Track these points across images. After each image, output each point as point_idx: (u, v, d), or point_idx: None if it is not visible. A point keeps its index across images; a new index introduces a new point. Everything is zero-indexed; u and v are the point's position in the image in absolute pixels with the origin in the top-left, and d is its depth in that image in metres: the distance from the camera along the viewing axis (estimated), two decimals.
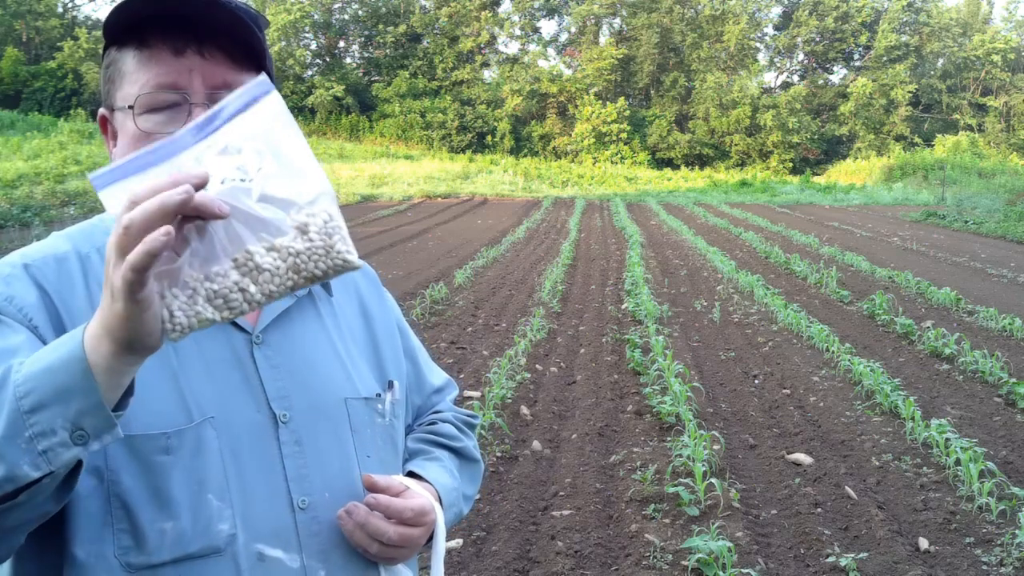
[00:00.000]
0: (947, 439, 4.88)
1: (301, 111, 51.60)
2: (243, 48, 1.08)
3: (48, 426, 0.82)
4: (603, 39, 57.82)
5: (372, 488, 1.12)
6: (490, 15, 56.31)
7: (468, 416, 1.45)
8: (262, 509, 1.06)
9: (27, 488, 0.84)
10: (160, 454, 1.01)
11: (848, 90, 54.45)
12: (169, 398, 1.04)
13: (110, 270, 0.79)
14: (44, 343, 0.99)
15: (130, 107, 1.07)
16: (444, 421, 1.39)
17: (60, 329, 1.03)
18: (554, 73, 55.30)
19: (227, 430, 1.06)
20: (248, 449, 1.07)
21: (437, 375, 1.45)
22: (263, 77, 0.90)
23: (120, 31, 1.07)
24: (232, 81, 1.08)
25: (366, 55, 58.50)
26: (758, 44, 58.49)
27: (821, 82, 58.32)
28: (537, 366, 7.07)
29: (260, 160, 0.88)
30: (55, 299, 1.05)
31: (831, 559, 3.77)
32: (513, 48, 63.67)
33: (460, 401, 5.85)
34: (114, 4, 1.05)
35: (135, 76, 1.07)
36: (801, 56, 59.22)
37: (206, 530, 1.02)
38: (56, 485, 0.87)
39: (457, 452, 1.36)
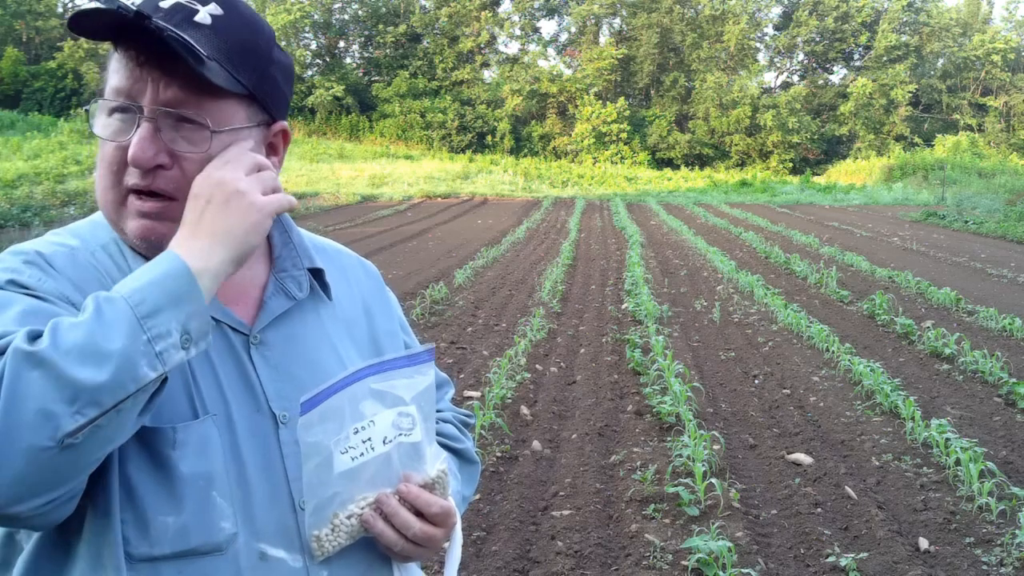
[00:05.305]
0: (947, 439, 4.88)
1: (301, 111, 51.61)
2: (197, 77, 1.02)
3: (164, 328, 0.92)
4: (603, 39, 57.83)
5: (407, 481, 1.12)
6: (490, 15, 56.29)
7: (466, 416, 1.47)
8: (264, 509, 1.07)
9: (128, 398, 0.89)
10: (168, 448, 1.01)
11: (848, 90, 54.43)
12: (179, 393, 1.04)
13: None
14: None
15: (86, 110, 1.08)
16: (445, 421, 1.40)
17: None
18: (554, 73, 55.28)
19: (228, 429, 1.06)
20: (249, 449, 1.07)
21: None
22: (431, 346, 1.11)
23: (104, 31, 1.03)
24: (182, 100, 1.03)
25: (366, 55, 58.50)
26: (758, 44, 58.53)
27: (821, 82, 58.32)
28: (537, 366, 7.07)
29: (417, 420, 1.10)
30: (78, 284, 1.03)
31: (831, 559, 3.77)
32: (513, 48, 63.75)
33: (460, 401, 5.85)
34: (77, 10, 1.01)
35: (109, 76, 1.07)
36: (801, 56, 59.24)
37: (208, 527, 1.02)
38: (140, 408, 0.93)
39: (458, 453, 1.37)
